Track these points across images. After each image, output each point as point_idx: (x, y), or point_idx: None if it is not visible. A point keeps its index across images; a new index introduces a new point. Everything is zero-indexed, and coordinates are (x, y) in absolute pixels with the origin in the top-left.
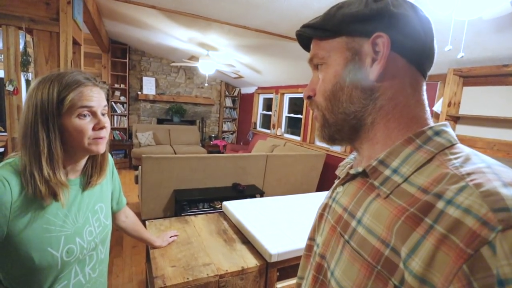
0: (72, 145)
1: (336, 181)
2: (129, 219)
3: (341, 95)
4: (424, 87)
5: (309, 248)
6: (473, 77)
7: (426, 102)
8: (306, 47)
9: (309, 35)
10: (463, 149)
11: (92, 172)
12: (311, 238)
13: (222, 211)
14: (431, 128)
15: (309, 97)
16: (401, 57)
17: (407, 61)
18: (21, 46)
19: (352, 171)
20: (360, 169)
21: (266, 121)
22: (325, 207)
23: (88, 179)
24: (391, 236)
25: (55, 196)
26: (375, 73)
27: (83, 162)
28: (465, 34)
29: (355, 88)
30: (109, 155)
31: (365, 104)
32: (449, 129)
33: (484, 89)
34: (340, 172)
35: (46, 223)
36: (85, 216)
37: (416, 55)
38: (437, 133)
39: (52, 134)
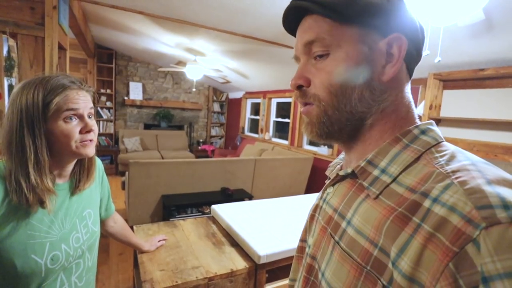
0: (59, 150)
1: (327, 182)
2: (117, 224)
3: (351, 93)
4: (410, 86)
5: (300, 249)
6: (452, 80)
7: (412, 100)
8: (293, 24)
9: (315, 12)
10: (449, 147)
11: (80, 176)
12: (303, 240)
13: (211, 215)
14: (417, 127)
15: (299, 87)
16: (404, 61)
17: (405, 63)
18: (5, 51)
19: (341, 172)
20: (349, 170)
21: (254, 126)
22: (316, 208)
23: (76, 184)
24: (379, 236)
25: (41, 203)
26: (389, 75)
27: (71, 166)
28: (443, 40)
29: (366, 88)
30: (99, 161)
31: (372, 105)
32: (435, 128)
33: (463, 92)
34: (330, 172)
35: (31, 229)
36: (73, 222)
37: (413, 59)
38: (423, 131)
39: (38, 140)
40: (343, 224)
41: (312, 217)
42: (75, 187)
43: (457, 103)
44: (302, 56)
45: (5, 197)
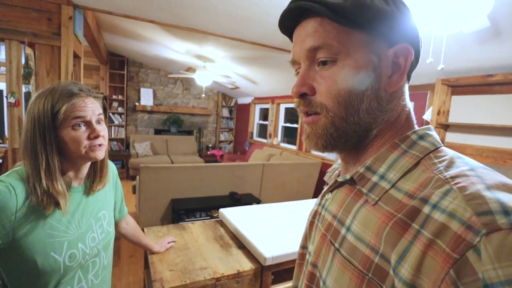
0: (71, 155)
1: (325, 187)
2: (130, 226)
3: (360, 104)
4: (408, 91)
5: (301, 256)
6: (460, 86)
7: (411, 106)
8: (291, 25)
9: (322, 15)
10: (447, 152)
11: (93, 178)
12: (303, 247)
13: (219, 219)
14: (415, 132)
15: (302, 95)
16: None
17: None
18: (23, 59)
19: (340, 179)
20: (348, 177)
21: (263, 131)
22: (315, 214)
23: (90, 185)
24: (380, 243)
25: (56, 205)
26: (395, 86)
27: (85, 169)
28: (451, 46)
29: (374, 98)
30: (113, 165)
31: (378, 115)
32: (433, 133)
33: (472, 98)
34: (328, 178)
35: (50, 229)
36: (88, 222)
37: (412, 66)
38: (421, 137)
39: (49, 147)
40: (343, 231)
41: (311, 224)
42: (89, 189)
43: (465, 108)
44: (303, 62)
45: (26, 199)
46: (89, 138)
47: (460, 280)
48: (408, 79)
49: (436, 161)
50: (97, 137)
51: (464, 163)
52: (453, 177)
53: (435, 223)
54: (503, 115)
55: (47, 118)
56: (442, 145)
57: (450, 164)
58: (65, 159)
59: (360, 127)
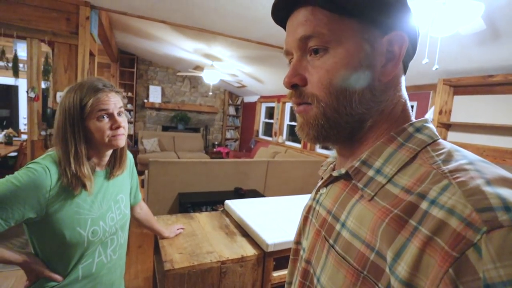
0: (96, 142)
1: (320, 181)
2: (143, 211)
3: (352, 94)
4: (404, 83)
5: (295, 252)
6: (462, 86)
7: (408, 97)
8: (284, 14)
9: (312, 3)
10: (445, 145)
11: (114, 164)
12: (297, 242)
13: (225, 210)
14: (411, 124)
15: (294, 86)
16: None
17: (402, 61)
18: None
19: (335, 173)
20: (343, 171)
21: (268, 129)
22: (309, 209)
23: (111, 171)
24: (375, 239)
25: (83, 186)
26: (389, 75)
27: (107, 156)
28: (450, 47)
29: (367, 89)
30: (131, 155)
31: (371, 106)
32: (430, 125)
33: (473, 98)
34: (323, 172)
35: (77, 207)
36: (108, 204)
37: (409, 56)
38: (418, 129)
39: (78, 135)
40: (337, 227)
41: (305, 219)
42: (110, 174)
43: (467, 108)
44: (295, 52)
45: (59, 179)
46: (111, 128)
47: (460, 279)
48: (405, 69)
49: (433, 154)
50: (118, 127)
51: (462, 156)
52: (451, 171)
53: (433, 219)
54: (503, 115)
55: (76, 110)
56: (439, 137)
57: (448, 157)
58: (91, 147)
59: (352, 118)
